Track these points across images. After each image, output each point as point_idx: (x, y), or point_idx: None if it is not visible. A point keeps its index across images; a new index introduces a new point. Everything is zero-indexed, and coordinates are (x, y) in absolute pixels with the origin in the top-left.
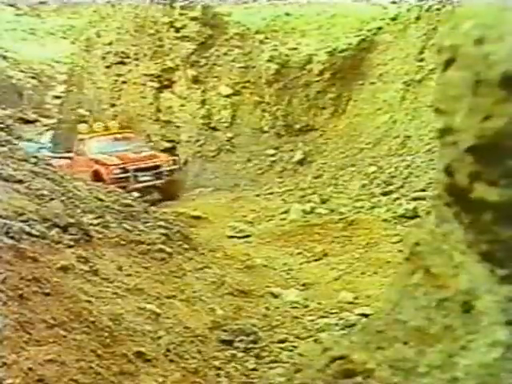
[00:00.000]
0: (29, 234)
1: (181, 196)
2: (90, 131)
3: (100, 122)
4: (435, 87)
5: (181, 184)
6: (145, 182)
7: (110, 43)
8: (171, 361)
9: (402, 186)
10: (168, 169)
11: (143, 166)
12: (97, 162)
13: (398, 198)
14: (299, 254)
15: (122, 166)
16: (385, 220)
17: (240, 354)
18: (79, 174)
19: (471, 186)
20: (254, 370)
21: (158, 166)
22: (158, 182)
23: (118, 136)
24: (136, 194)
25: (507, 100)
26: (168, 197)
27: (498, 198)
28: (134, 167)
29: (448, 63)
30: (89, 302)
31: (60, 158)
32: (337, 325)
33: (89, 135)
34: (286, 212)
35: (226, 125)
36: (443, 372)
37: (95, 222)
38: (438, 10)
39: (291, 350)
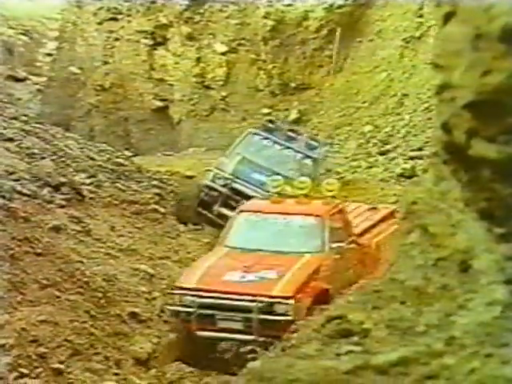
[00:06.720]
0: (20, 193)
1: None
2: None
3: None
4: (434, 42)
5: None
6: None
7: None
8: (166, 322)
9: (399, 145)
10: None
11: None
12: None
13: (395, 158)
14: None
15: None
16: (382, 180)
17: None
18: None
19: (469, 143)
20: None
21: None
22: None
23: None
24: None
25: (507, 54)
26: None
27: (497, 154)
28: None
29: (447, 17)
30: (81, 262)
31: None
32: None
33: None
34: None
35: (220, 83)
36: (441, 331)
37: (87, 181)
38: None
39: None
